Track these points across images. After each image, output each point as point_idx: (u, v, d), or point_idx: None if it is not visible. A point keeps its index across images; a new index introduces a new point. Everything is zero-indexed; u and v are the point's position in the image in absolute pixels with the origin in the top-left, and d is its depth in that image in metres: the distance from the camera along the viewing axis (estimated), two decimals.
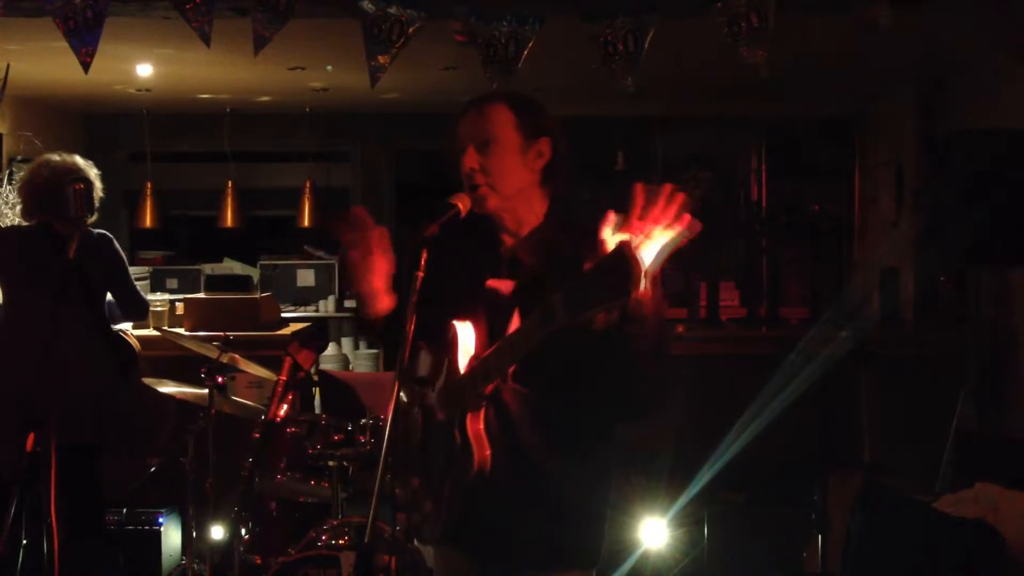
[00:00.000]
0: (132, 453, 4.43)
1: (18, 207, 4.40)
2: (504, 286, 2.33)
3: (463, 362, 2.28)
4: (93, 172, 4.29)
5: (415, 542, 3.71)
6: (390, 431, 2.17)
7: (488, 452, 2.23)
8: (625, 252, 1.83)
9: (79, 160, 4.29)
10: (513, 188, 2.34)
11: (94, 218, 4.29)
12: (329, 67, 6.17)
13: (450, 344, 2.30)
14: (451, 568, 2.51)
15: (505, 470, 2.26)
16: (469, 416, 2.24)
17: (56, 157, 4.27)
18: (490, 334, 2.28)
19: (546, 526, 2.31)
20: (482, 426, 2.24)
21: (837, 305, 6.92)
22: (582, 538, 2.36)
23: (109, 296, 4.39)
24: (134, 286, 4.45)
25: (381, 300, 2.44)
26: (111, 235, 4.35)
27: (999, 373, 5.39)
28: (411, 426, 2.46)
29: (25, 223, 4.33)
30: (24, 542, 4.08)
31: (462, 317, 2.31)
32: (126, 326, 4.95)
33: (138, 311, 4.50)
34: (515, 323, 2.21)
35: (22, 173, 4.39)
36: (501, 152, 2.32)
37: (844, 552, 4.11)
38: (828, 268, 7.47)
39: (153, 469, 4.60)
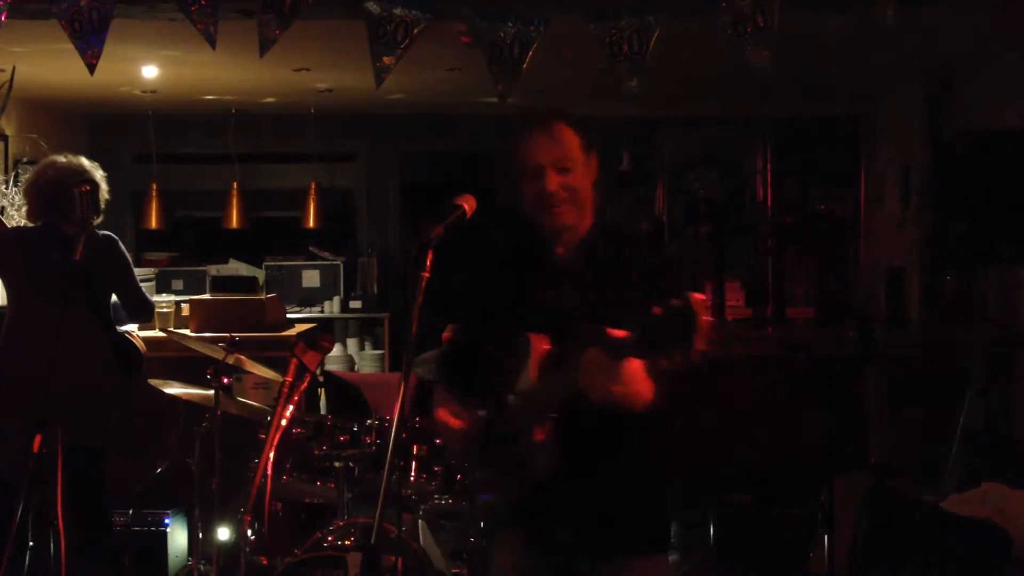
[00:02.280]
0: (138, 454, 4.44)
1: (24, 208, 4.40)
2: (566, 299, 2.45)
3: (534, 374, 2.39)
4: (99, 174, 4.29)
5: (424, 544, 3.72)
6: (395, 432, 2.18)
7: (555, 459, 2.35)
8: (693, 308, 1.97)
9: (85, 162, 4.29)
10: (584, 202, 2.48)
11: (100, 219, 4.30)
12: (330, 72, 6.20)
13: (524, 357, 2.42)
14: (512, 548, 2.58)
15: (573, 469, 2.37)
16: (537, 426, 2.35)
17: (62, 159, 4.27)
18: (560, 346, 2.39)
19: (619, 518, 2.44)
20: (549, 434, 2.35)
21: (843, 305, 6.92)
22: (652, 526, 2.50)
23: (115, 297, 4.39)
24: (139, 288, 4.46)
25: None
26: (116, 236, 4.36)
27: (1005, 373, 5.38)
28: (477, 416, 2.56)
29: (31, 224, 4.33)
30: (31, 544, 4.10)
31: (532, 329, 2.43)
32: (131, 327, 4.96)
33: (143, 313, 4.50)
34: (582, 335, 2.31)
35: (28, 175, 4.40)
36: (576, 171, 2.46)
37: (851, 552, 4.11)
38: (834, 268, 7.45)
39: (159, 470, 4.61)
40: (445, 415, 2.57)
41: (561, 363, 2.36)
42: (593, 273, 2.44)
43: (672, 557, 2.61)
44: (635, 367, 2.15)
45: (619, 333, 2.10)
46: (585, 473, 2.41)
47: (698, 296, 1.98)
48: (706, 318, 1.97)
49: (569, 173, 2.44)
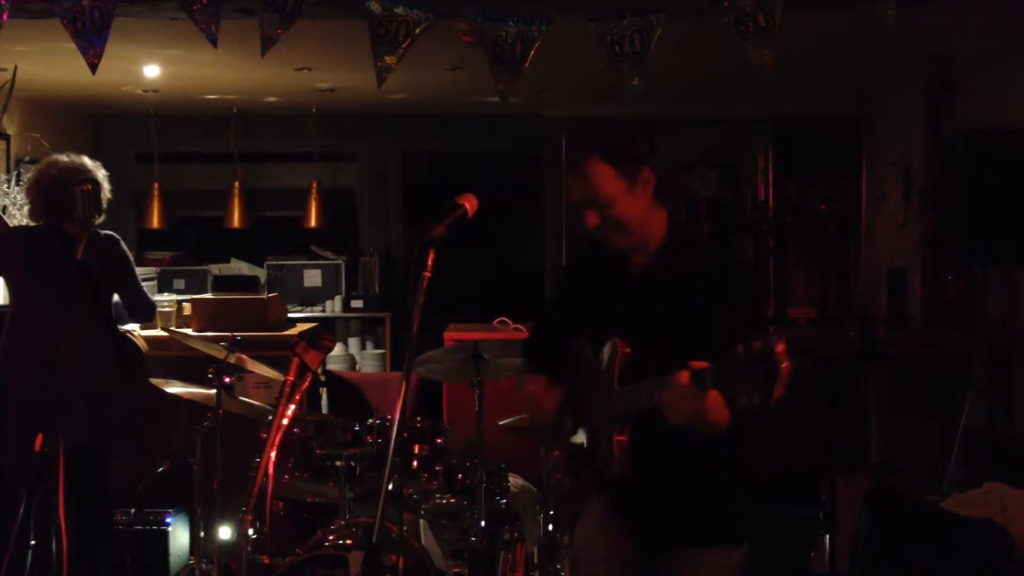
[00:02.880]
0: (140, 454, 4.44)
1: (26, 208, 4.41)
2: (645, 307, 2.52)
3: (616, 378, 2.46)
4: (101, 173, 4.29)
5: (426, 544, 3.72)
6: (397, 432, 2.18)
7: (628, 463, 2.44)
8: (776, 353, 2.02)
9: (87, 161, 4.29)
10: (637, 225, 2.52)
11: (102, 219, 4.30)
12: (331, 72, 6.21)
13: (612, 360, 2.48)
14: (596, 519, 2.70)
15: (649, 467, 2.46)
16: (615, 430, 2.43)
17: (64, 158, 4.27)
18: (640, 353, 2.45)
19: (686, 509, 2.55)
20: (626, 439, 2.43)
21: (844, 305, 6.92)
22: (725, 519, 2.65)
23: (116, 297, 4.39)
24: (141, 287, 4.46)
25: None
26: (118, 236, 4.36)
27: (1007, 373, 5.38)
28: (569, 409, 2.67)
29: (33, 224, 4.34)
30: (33, 543, 4.10)
31: (613, 336, 2.49)
32: (133, 327, 4.96)
33: (144, 312, 4.50)
34: (660, 340, 2.42)
35: (30, 174, 4.40)
36: (614, 204, 2.49)
37: (852, 552, 4.11)
38: (835, 268, 7.46)
39: (161, 469, 4.61)
40: (536, 388, 2.70)
41: (641, 369, 2.42)
42: (669, 282, 2.50)
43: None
44: (714, 398, 2.21)
45: (701, 364, 2.18)
46: (657, 476, 2.50)
47: (780, 343, 2.02)
48: (786, 364, 2.01)
49: (606, 208, 2.48)
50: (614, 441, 2.42)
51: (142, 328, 5.14)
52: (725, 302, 2.42)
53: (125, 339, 4.42)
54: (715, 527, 2.62)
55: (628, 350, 2.46)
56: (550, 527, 3.83)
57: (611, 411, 2.45)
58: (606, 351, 2.51)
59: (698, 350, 2.28)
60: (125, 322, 4.61)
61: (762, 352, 2.03)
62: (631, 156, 2.51)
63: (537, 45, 3.84)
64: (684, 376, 2.21)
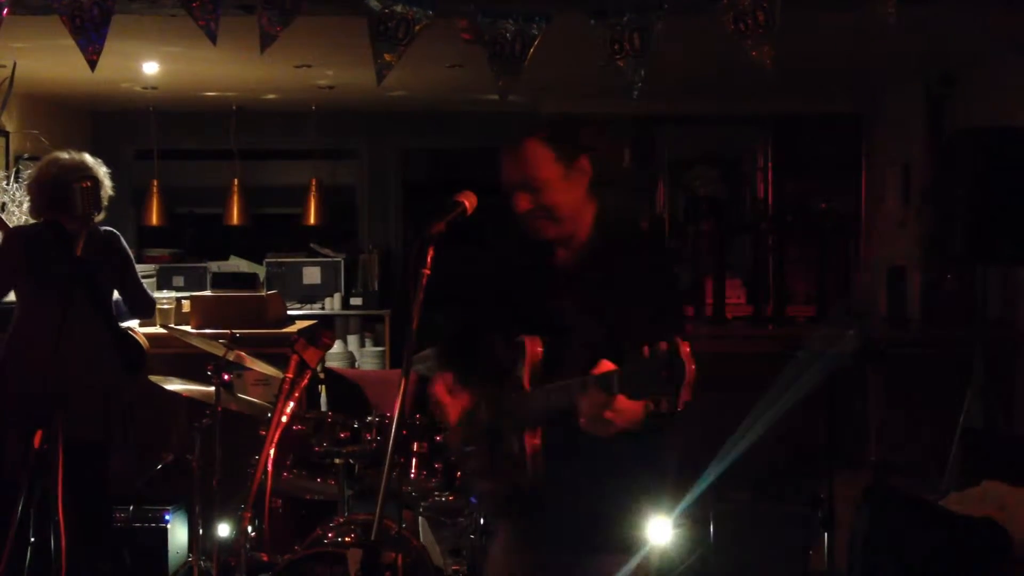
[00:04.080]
0: (141, 451, 4.44)
1: (25, 205, 4.41)
2: (564, 302, 2.44)
3: (527, 378, 2.39)
4: (102, 170, 4.29)
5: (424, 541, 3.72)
6: (396, 429, 2.18)
7: (543, 468, 2.36)
8: (682, 357, 1.96)
9: (88, 158, 4.29)
10: (568, 213, 2.47)
11: (103, 216, 4.30)
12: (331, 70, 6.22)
13: (517, 358, 2.41)
14: (505, 537, 2.65)
15: (558, 471, 2.38)
16: (527, 431, 2.36)
17: (65, 155, 4.28)
18: (552, 351, 2.40)
19: (580, 517, 2.46)
20: (539, 441, 2.36)
21: (844, 303, 6.92)
22: (621, 528, 2.50)
23: (116, 294, 4.39)
24: (141, 284, 4.46)
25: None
26: (118, 233, 4.36)
27: (1006, 372, 5.39)
28: (480, 408, 2.58)
29: (33, 221, 4.34)
30: (32, 540, 4.10)
31: (526, 331, 2.42)
32: (132, 323, 4.96)
33: (144, 309, 4.50)
34: (575, 337, 2.37)
35: (31, 171, 4.40)
36: (548, 188, 2.43)
37: (850, 550, 4.11)
38: (835, 266, 7.45)
39: (160, 466, 4.60)
40: (441, 391, 2.60)
41: (553, 368, 2.37)
42: (591, 278, 2.44)
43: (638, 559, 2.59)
44: (621, 402, 2.12)
45: (608, 366, 2.12)
46: (570, 480, 2.42)
47: (686, 346, 1.96)
48: (691, 367, 1.95)
49: (540, 192, 2.42)
50: (526, 444, 2.36)
51: (141, 325, 5.15)
52: (644, 302, 2.36)
53: (127, 336, 4.42)
54: (619, 535, 2.51)
55: (540, 349, 2.39)
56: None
57: (523, 413, 2.38)
58: (515, 349, 2.44)
59: (612, 352, 2.23)
60: (124, 319, 4.61)
61: (668, 355, 1.97)
62: (571, 141, 2.46)
63: (537, 42, 3.84)
64: (592, 391, 2.15)
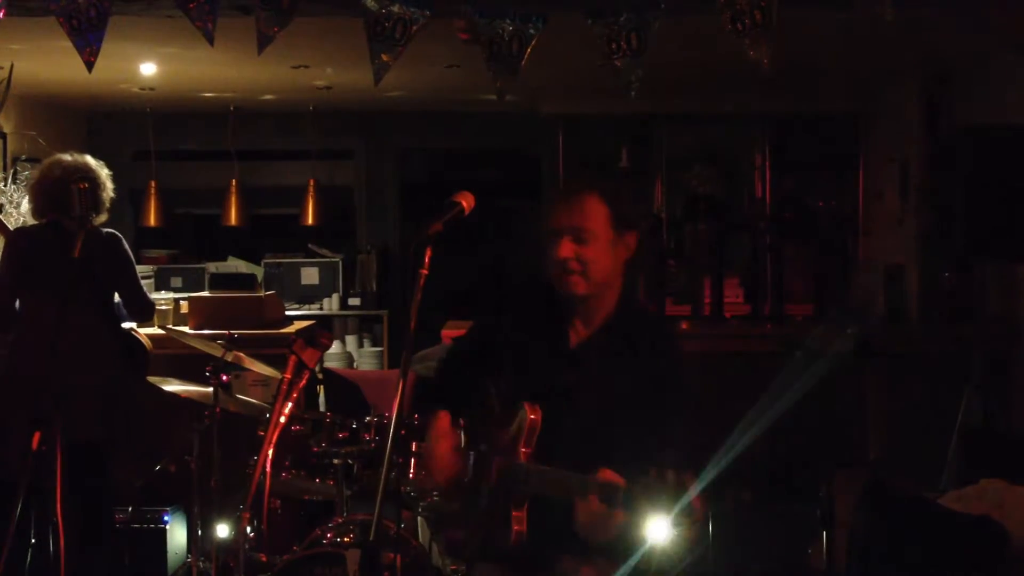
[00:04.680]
0: (144, 451, 4.44)
1: (22, 206, 4.41)
2: (571, 379, 2.44)
3: (523, 445, 2.39)
4: (104, 172, 4.31)
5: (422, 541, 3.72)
6: (394, 429, 2.18)
7: (525, 532, 2.36)
8: (689, 492, 2.03)
9: (91, 160, 4.30)
10: (603, 277, 2.46)
11: (104, 218, 4.31)
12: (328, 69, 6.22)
13: (518, 423, 2.40)
14: None
15: (540, 533, 2.39)
16: (513, 506, 2.37)
17: (68, 157, 4.29)
18: (550, 422, 2.39)
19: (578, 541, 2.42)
20: (524, 513, 2.37)
21: (842, 302, 6.92)
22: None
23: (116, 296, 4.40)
24: (141, 287, 4.46)
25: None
26: (120, 235, 4.36)
27: (1004, 369, 5.39)
28: (465, 460, 2.56)
29: (35, 222, 4.34)
30: (33, 541, 4.10)
31: (529, 397, 2.42)
32: (131, 325, 4.96)
33: (144, 312, 4.50)
34: (574, 420, 2.38)
35: (34, 172, 4.41)
36: (596, 244, 2.43)
37: (849, 549, 4.11)
38: (833, 265, 7.46)
39: (158, 468, 4.60)
40: (443, 452, 2.56)
41: (549, 440, 2.37)
42: (602, 364, 2.44)
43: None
44: (619, 516, 2.16)
45: (611, 476, 2.14)
46: (552, 545, 2.42)
47: (692, 483, 2.02)
48: (700, 508, 2.02)
49: (586, 245, 2.41)
50: (512, 515, 2.36)
51: (139, 326, 5.15)
52: (653, 403, 2.38)
53: (130, 337, 4.42)
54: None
55: (538, 418, 2.38)
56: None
57: (514, 483, 2.38)
58: (514, 412, 2.43)
59: (613, 442, 2.27)
60: (124, 321, 4.61)
61: (675, 486, 2.01)
62: (627, 211, 2.48)
63: (534, 43, 3.84)
64: (594, 499, 2.17)
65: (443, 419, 2.60)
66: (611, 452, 2.26)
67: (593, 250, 2.42)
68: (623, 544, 2.31)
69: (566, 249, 2.41)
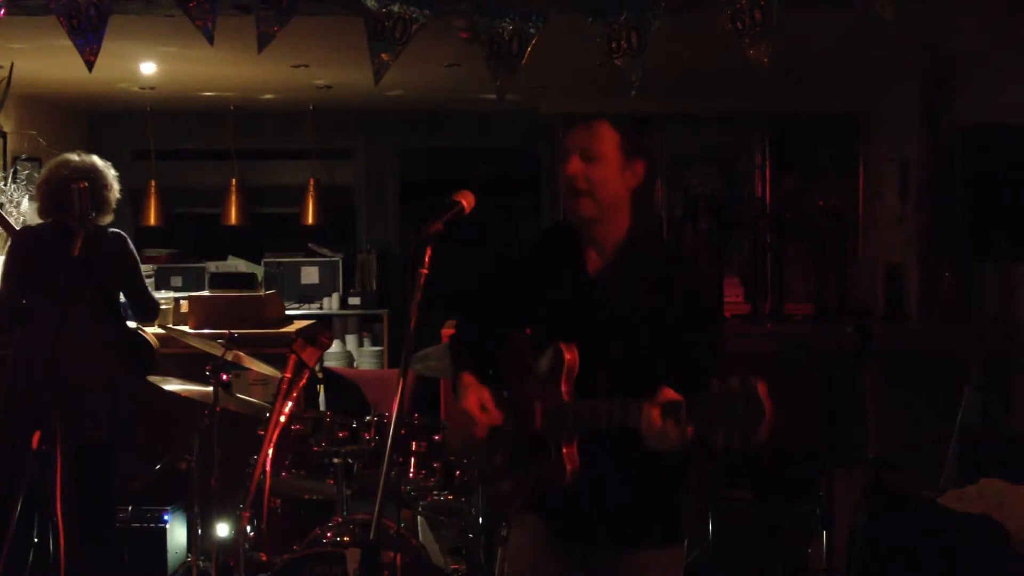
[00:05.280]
0: (148, 451, 4.44)
1: (22, 205, 4.42)
2: (598, 312, 2.45)
3: (565, 388, 2.38)
4: (111, 173, 4.32)
5: (423, 541, 3.73)
6: (394, 428, 2.18)
7: (578, 467, 2.36)
8: (760, 396, 1.99)
9: (98, 160, 4.31)
10: (610, 199, 2.47)
11: (111, 218, 4.32)
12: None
13: (556, 365, 2.40)
14: (530, 536, 2.60)
15: (593, 475, 2.39)
16: (564, 443, 2.36)
17: (75, 157, 4.30)
18: (587, 360, 2.39)
19: (636, 511, 2.49)
20: (575, 448, 2.36)
21: (841, 301, 6.92)
22: (666, 521, 2.54)
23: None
24: (145, 287, 4.46)
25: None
26: (126, 235, 4.37)
27: (1004, 369, 5.39)
28: (504, 412, 2.55)
29: (40, 222, 4.35)
30: (36, 540, 4.11)
31: (564, 337, 2.41)
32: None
33: (148, 312, 4.50)
34: (610, 352, 2.38)
35: (42, 171, 4.41)
36: (603, 164, 2.46)
37: (849, 548, 4.11)
38: (833, 264, 7.45)
39: (158, 467, 4.60)
40: (474, 406, 2.55)
41: (589, 376, 2.37)
42: (625, 287, 2.45)
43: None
44: (690, 431, 2.15)
45: (672, 396, 2.14)
46: (605, 478, 2.43)
47: (762, 385, 1.99)
48: (770, 407, 1.98)
49: (594, 163, 2.45)
50: (563, 453, 2.36)
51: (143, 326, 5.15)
52: (681, 306, 2.39)
53: (136, 335, 4.43)
54: (660, 528, 2.55)
55: (572, 356, 2.39)
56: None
57: (562, 422, 2.37)
58: (548, 354, 2.43)
59: (650, 360, 2.28)
60: (130, 320, 4.60)
61: (742, 392, 1.99)
62: (637, 140, 2.52)
63: (534, 42, 3.84)
64: (655, 413, 2.16)
65: (468, 377, 2.59)
66: (654, 375, 2.25)
67: (601, 171, 2.45)
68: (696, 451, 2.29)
69: (575, 166, 2.45)
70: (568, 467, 2.35)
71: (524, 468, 2.50)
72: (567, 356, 2.38)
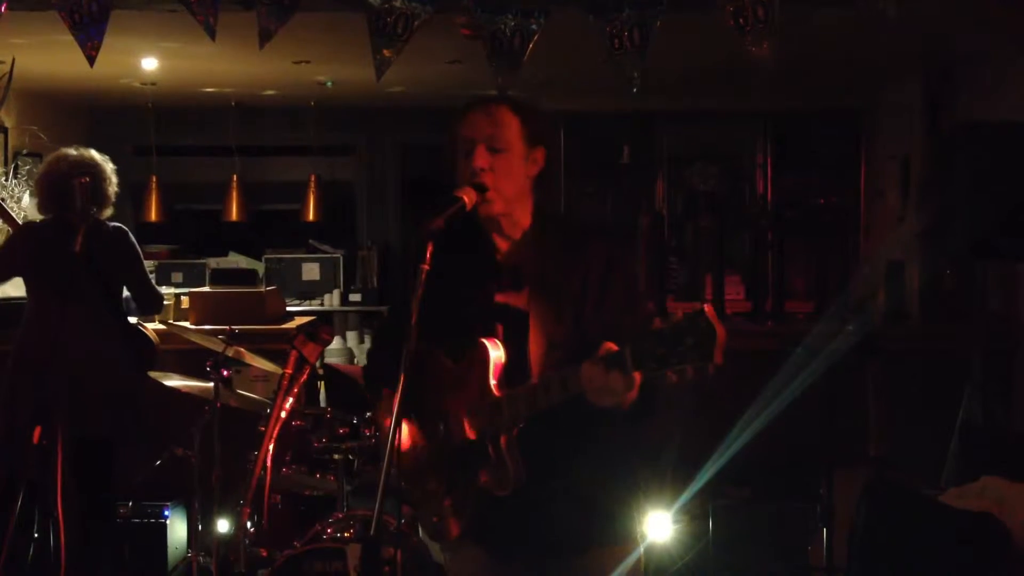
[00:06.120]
0: (146, 446, 4.45)
1: (23, 201, 4.42)
2: (515, 299, 2.37)
3: (495, 384, 2.31)
4: (109, 167, 4.32)
5: (423, 537, 3.72)
6: (394, 425, 2.17)
7: (523, 466, 2.28)
8: (709, 319, 1.92)
9: (95, 154, 4.31)
10: (514, 191, 2.40)
11: (111, 212, 4.32)
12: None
13: (480, 362, 2.33)
14: (471, 564, 2.51)
15: (534, 471, 2.30)
16: (503, 434, 2.28)
17: (72, 151, 4.29)
18: (511, 349, 2.33)
19: (573, 515, 2.38)
20: (516, 446, 2.28)
21: (843, 299, 6.91)
22: (610, 519, 2.44)
23: (126, 290, 4.40)
24: (149, 280, 4.47)
25: None
26: (127, 229, 4.37)
27: (1005, 367, 5.38)
28: (430, 431, 2.46)
29: (41, 217, 4.35)
30: (36, 536, 4.11)
31: (482, 332, 2.34)
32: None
33: (152, 305, 4.51)
34: (534, 336, 2.30)
35: (40, 167, 4.41)
36: (508, 155, 2.38)
37: (849, 546, 4.11)
38: (834, 262, 7.45)
39: (159, 462, 4.60)
40: (407, 438, 2.45)
41: (517, 368, 2.30)
42: (537, 269, 2.37)
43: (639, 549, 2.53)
44: (638, 378, 2.06)
45: (613, 347, 2.05)
46: (547, 472, 2.34)
47: (709, 308, 1.93)
48: (721, 329, 1.91)
49: (500, 155, 2.36)
50: (503, 451, 2.26)
51: (146, 319, 5.16)
52: (600, 273, 2.31)
53: (137, 331, 4.43)
54: (606, 529, 2.44)
55: (499, 351, 2.30)
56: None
57: (496, 418, 2.28)
58: (469, 355, 2.33)
59: (576, 336, 2.21)
60: (132, 315, 4.61)
61: (688, 321, 1.92)
62: (538, 126, 2.42)
63: (536, 38, 3.84)
64: (598, 368, 2.06)
65: (390, 398, 2.44)
66: (581, 351, 2.16)
67: (505, 161, 2.36)
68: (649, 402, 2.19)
69: (482, 158, 2.35)
70: (511, 466, 2.26)
71: (462, 486, 2.38)
72: (491, 351, 2.31)
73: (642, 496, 2.51)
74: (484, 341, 2.32)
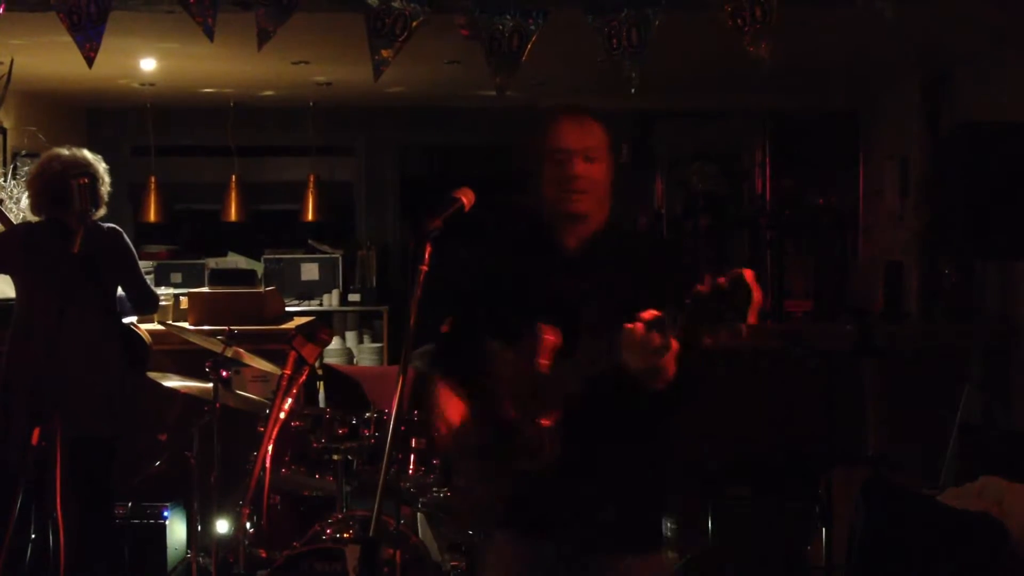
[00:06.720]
0: (144, 447, 4.45)
1: (22, 202, 4.41)
2: (576, 286, 2.44)
3: (546, 364, 2.35)
4: (102, 166, 4.30)
5: (423, 537, 3.73)
6: (394, 425, 2.18)
7: (559, 447, 2.33)
8: (746, 280, 2.01)
9: (88, 155, 4.30)
10: (603, 193, 2.52)
11: (103, 212, 4.31)
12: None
13: (533, 343, 2.37)
14: (506, 548, 2.56)
15: (574, 460, 2.36)
16: (541, 416, 2.33)
17: (65, 151, 4.28)
18: (569, 335, 2.37)
19: (608, 511, 2.44)
20: (552, 422, 2.33)
21: (841, 298, 6.92)
22: (642, 521, 2.51)
23: (120, 291, 4.40)
24: (144, 280, 4.46)
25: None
26: (121, 229, 4.36)
27: (1004, 366, 5.39)
28: (481, 415, 2.52)
29: (35, 218, 4.34)
30: (33, 536, 4.11)
31: (541, 318, 2.39)
32: (131, 319, 4.96)
33: (148, 305, 4.50)
34: (591, 328, 2.33)
35: (32, 167, 4.39)
36: (601, 163, 2.51)
37: (848, 545, 4.12)
38: (832, 262, 7.46)
39: (158, 463, 4.61)
40: (451, 413, 2.54)
41: (571, 354, 2.34)
42: (606, 266, 2.46)
43: (670, 554, 2.59)
44: (675, 346, 2.16)
45: (653, 313, 2.13)
46: (586, 463, 2.40)
47: (749, 272, 2.01)
48: (758, 291, 2.00)
49: (594, 164, 2.48)
50: (540, 426, 2.32)
51: (139, 321, 5.15)
52: (658, 276, 2.42)
53: (131, 332, 4.43)
54: (643, 529, 2.51)
55: (554, 337, 2.36)
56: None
57: (538, 398, 2.34)
58: (526, 337, 2.39)
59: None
60: (127, 315, 4.61)
61: (730, 283, 2.01)
62: (612, 135, 2.57)
63: (534, 38, 3.84)
64: (639, 326, 2.15)
65: (444, 385, 2.60)
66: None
67: (599, 169, 2.49)
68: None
69: (580, 167, 2.47)
70: (547, 441, 2.32)
71: (502, 466, 2.44)
72: (547, 336, 2.37)
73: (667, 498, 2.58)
74: (542, 326, 2.38)
